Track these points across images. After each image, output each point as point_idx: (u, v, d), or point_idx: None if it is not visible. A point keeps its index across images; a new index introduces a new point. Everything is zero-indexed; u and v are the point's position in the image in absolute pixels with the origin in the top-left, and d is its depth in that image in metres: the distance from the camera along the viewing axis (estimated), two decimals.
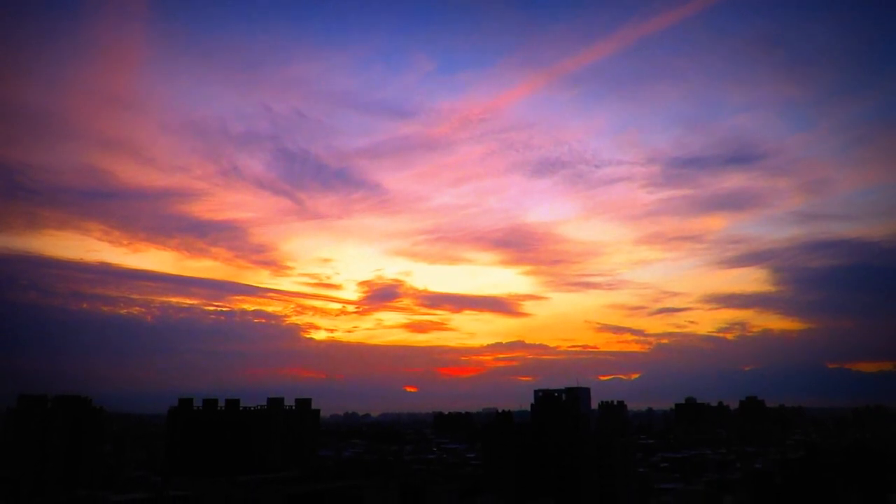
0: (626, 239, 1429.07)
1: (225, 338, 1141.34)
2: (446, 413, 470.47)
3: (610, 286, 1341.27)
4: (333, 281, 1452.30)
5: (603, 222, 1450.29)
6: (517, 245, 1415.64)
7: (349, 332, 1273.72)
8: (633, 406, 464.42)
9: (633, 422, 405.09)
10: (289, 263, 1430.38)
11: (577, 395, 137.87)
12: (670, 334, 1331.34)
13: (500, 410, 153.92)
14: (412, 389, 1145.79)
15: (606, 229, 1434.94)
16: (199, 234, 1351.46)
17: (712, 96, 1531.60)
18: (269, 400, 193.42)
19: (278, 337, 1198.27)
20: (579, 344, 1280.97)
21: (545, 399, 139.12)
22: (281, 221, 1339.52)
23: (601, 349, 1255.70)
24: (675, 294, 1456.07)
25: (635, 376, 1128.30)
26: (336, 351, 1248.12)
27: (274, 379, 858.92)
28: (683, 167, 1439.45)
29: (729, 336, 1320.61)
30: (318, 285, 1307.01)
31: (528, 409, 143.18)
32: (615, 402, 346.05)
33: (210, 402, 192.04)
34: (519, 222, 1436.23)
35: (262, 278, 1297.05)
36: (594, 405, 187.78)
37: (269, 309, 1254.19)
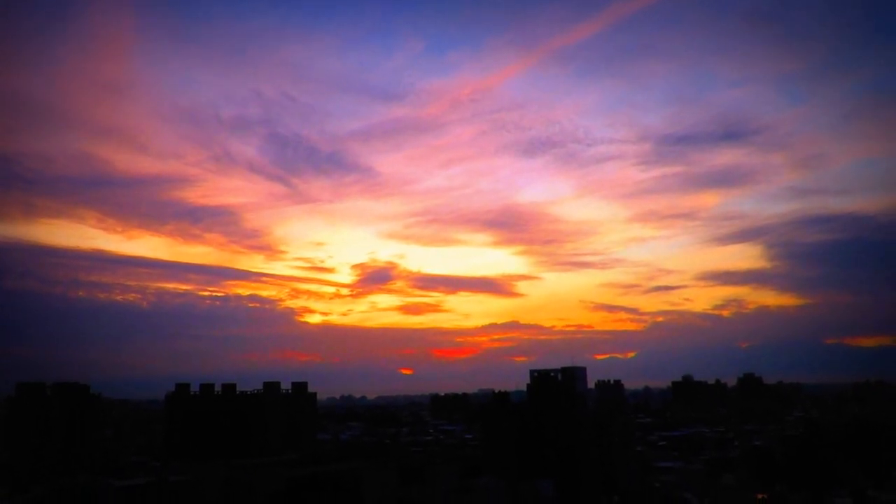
0: (619, 217, 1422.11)
1: (220, 323, 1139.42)
2: (442, 395, 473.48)
3: (604, 265, 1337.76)
4: (327, 264, 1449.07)
5: (595, 201, 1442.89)
6: (510, 225, 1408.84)
7: (344, 315, 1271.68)
8: (629, 385, 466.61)
9: (630, 400, 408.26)
10: (282, 248, 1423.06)
11: (573, 375, 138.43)
12: (666, 312, 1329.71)
13: (496, 391, 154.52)
14: (408, 372, 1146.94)
15: (599, 208, 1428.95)
16: (193, 219, 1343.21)
17: (704, 72, 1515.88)
18: (265, 384, 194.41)
19: (273, 321, 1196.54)
20: (574, 323, 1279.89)
21: (541, 379, 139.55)
22: (274, 206, 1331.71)
23: (596, 328, 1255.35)
24: (669, 272, 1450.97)
25: (631, 355, 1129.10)
26: (331, 334, 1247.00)
27: (269, 363, 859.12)
28: (675, 144, 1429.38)
29: (725, 313, 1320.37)
30: (311, 269, 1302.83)
31: (525, 389, 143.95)
32: (612, 382, 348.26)
33: (207, 387, 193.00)
34: (511, 203, 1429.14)
35: (256, 263, 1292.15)
36: (590, 384, 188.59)
37: (264, 293, 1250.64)
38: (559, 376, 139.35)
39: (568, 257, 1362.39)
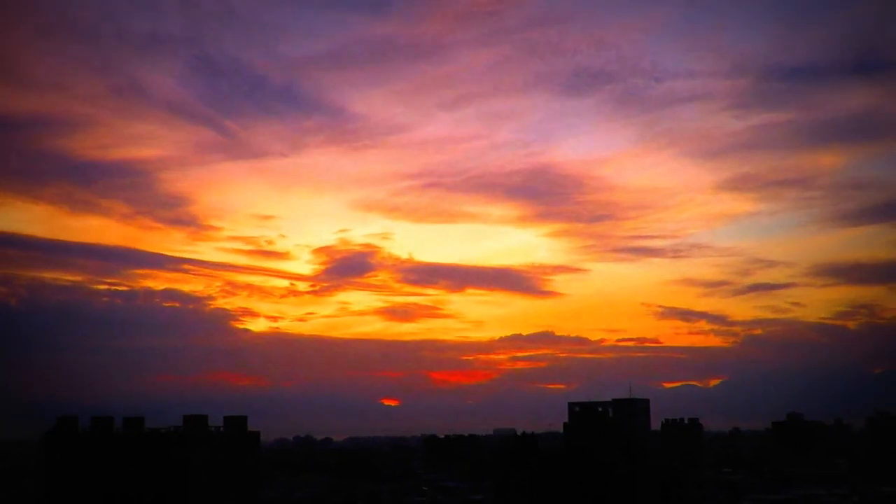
0: (702, 184, 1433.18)
1: (122, 329, 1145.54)
2: (442, 437, 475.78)
3: (677, 253, 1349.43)
4: (278, 247, 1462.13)
5: (667, 160, 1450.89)
6: (542, 194, 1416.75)
7: (301, 320, 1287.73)
8: (711, 425, 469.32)
9: (712, 447, 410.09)
10: (214, 222, 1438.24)
11: (631, 410, 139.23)
12: (765, 322, 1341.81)
13: (519, 432, 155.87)
14: (392, 403, 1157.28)
15: (672, 171, 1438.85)
16: (84, 180, 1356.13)
17: None
18: (187, 418, 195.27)
19: (199, 327, 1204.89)
20: (633, 336, 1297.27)
21: (584, 415, 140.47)
22: (202, 161, 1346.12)
23: (665, 343, 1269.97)
24: (772, 264, 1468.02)
25: (715, 383, 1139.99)
26: (282, 348, 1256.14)
27: (193, 388, 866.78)
28: (785, 80, 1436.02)
29: (850, 324, 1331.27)
30: (255, 253, 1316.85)
31: (561, 429, 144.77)
32: (686, 420, 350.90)
33: (102, 422, 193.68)
34: (545, 161, 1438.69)
35: (175, 243, 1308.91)
36: (655, 424, 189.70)
37: (186, 288, 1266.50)
38: (610, 412, 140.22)
39: (626, 241, 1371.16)
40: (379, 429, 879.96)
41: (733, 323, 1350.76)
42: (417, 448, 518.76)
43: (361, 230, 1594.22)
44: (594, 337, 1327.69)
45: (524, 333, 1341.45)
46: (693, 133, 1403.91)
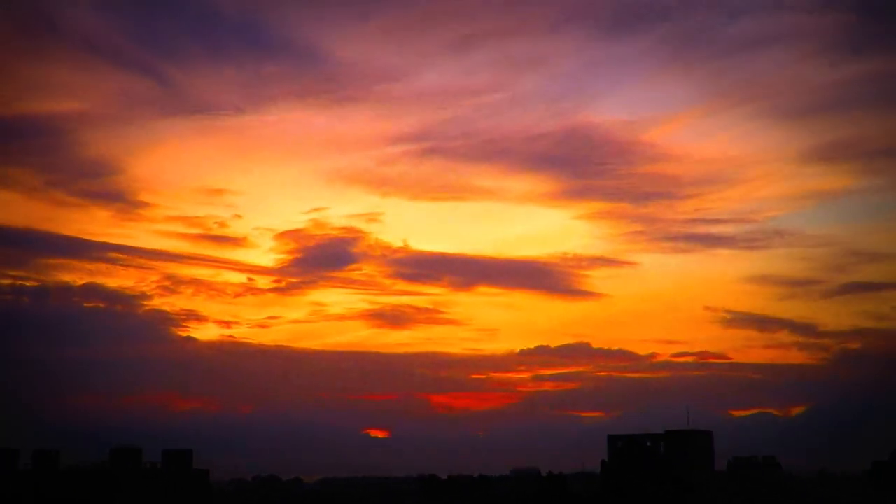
0: (786, 152, 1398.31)
1: (31, 336, 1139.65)
2: (444, 478, 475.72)
3: (752, 242, 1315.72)
4: (232, 230, 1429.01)
5: (740, 121, 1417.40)
6: (577, 164, 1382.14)
7: (262, 326, 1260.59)
8: (792, 464, 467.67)
9: (793, 492, 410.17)
10: (148, 197, 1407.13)
11: (689, 445, 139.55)
12: (865, 332, 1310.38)
13: (545, 473, 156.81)
14: (380, 434, 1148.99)
15: (747, 135, 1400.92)
16: None
17: None
18: (114, 451, 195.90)
19: (130, 335, 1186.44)
20: (694, 350, 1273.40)
21: (629, 451, 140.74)
22: (132, 118, 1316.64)
23: (734, 359, 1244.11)
24: (875, 257, 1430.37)
25: (798, 411, 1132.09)
26: (238, 362, 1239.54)
27: (124, 413, 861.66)
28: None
29: None
30: (202, 239, 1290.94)
31: (598, 469, 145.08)
32: (759, 459, 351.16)
33: (5, 456, 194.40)
34: (580, 121, 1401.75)
35: (98, 225, 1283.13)
36: (720, 463, 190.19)
37: (113, 283, 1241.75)
38: (662, 447, 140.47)
39: (685, 226, 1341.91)
40: (363, 467, 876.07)
41: (823, 334, 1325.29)
42: (412, 492, 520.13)
43: (341, 209, 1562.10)
44: (643, 351, 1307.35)
45: (552, 345, 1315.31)
46: (775, 86, 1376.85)
